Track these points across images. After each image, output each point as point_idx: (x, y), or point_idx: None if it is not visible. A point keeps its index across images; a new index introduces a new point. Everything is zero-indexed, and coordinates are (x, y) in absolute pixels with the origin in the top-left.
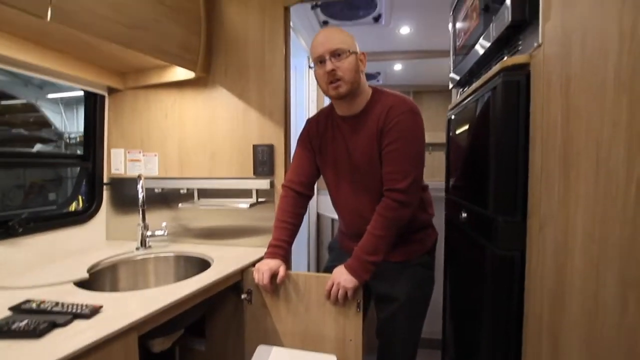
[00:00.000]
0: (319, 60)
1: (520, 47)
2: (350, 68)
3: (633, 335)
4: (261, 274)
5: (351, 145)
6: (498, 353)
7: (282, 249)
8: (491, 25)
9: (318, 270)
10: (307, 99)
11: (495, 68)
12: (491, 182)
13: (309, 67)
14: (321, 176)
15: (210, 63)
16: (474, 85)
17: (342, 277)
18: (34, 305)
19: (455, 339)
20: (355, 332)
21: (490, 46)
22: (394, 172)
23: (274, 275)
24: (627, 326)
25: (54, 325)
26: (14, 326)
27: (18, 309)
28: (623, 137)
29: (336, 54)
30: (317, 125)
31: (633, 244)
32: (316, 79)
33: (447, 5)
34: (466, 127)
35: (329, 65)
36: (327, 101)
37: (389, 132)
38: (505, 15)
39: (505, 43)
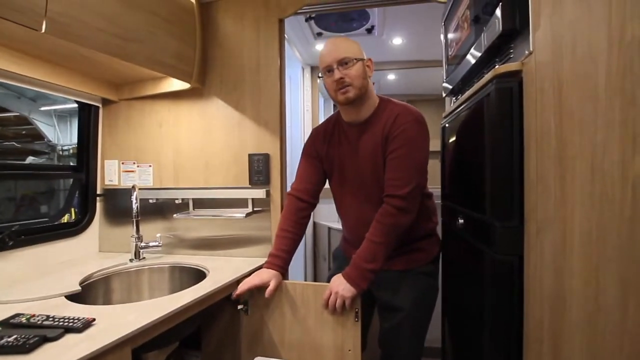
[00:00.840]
0: (327, 70)
1: (511, 55)
2: (357, 74)
3: (636, 337)
4: (246, 285)
5: (356, 151)
6: (499, 359)
7: (280, 259)
8: (482, 35)
9: (315, 280)
10: (302, 108)
11: (488, 76)
12: (487, 188)
13: (318, 76)
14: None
15: (206, 74)
16: (467, 93)
17: (340, 286)
18: (23, 320)
19: (455, 346)
20: (354, 342)
21: (482, 55)
22: (395, 179)
23: (263, 288)
24: (629, 328)
25: (44, 340)
26: (3, 341)
27: (7, 324)
28: (617, 139)
29: (343, 62)
30: (324, 132)
31: (631, 245)
32: (325, 87)
33: (438, 16)
34: (461, 134)
35: (337, 74)
36: (322, 111)
37: (394, 140)
38: (496, 25)
39: (496, 52)
